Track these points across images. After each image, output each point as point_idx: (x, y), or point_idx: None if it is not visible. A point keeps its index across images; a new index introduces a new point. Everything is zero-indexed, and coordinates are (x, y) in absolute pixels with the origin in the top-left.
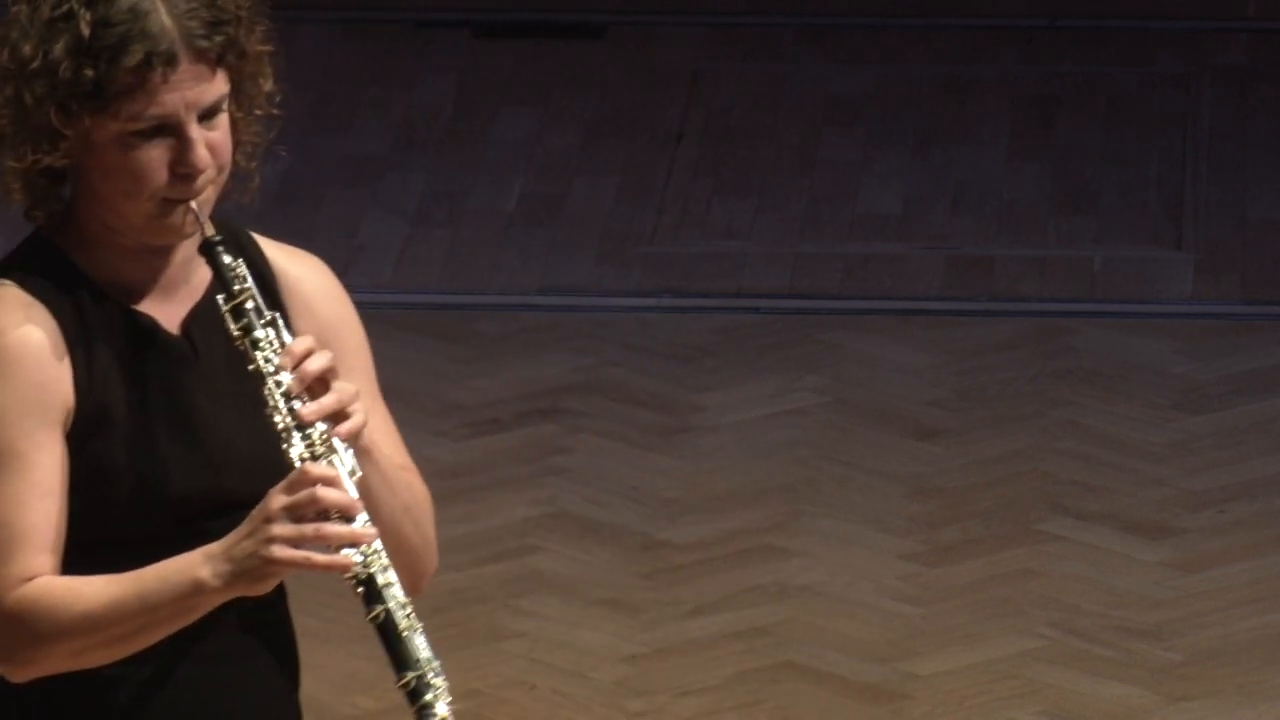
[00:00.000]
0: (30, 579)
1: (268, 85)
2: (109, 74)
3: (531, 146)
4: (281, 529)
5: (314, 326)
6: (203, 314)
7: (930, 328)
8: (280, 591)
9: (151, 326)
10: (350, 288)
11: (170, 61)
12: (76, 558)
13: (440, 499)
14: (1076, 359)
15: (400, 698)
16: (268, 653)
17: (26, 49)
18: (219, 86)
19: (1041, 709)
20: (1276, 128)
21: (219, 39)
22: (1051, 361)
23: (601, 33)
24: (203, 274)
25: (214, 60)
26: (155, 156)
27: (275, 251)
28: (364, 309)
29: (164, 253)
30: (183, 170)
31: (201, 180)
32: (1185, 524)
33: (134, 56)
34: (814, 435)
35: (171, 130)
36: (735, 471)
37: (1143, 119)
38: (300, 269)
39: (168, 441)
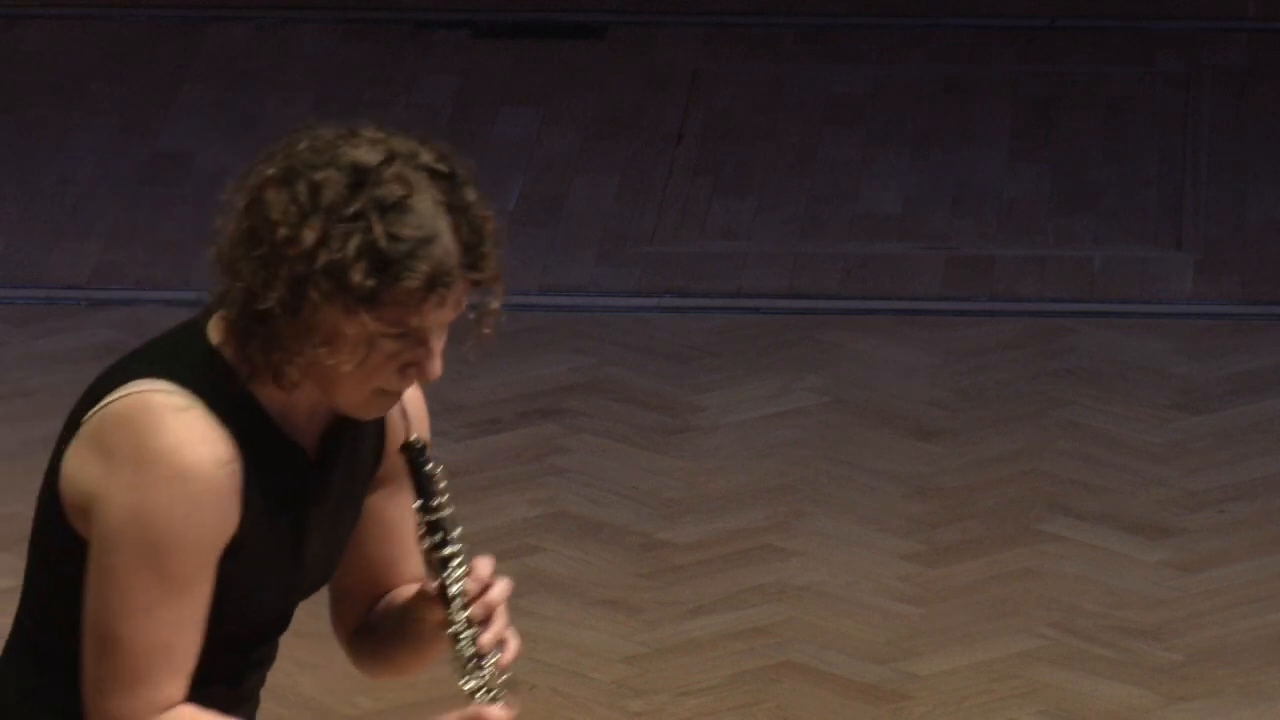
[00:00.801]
0: (169, 706)
1: (498, 303)
2: (390, 286)
3: (531, 146)
4: None
5: (400, 439)
6: (335, 436)
7: (930, 328)
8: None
9: (304, 462)
10: None
11: (449, 286)
12: None
13: None
14: (1076, 359)
15: (398, 697)
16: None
17: (309, 237)
18: (465, 303)
19: (1041, 709)
20: (1276, 128)
21: (490, 269)
22: (1051, 361)
23: (601, 33)
24: None
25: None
26: (391, 351)
27: None
28: None
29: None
30: (414, 375)
31: (414, 380)
32: (1185, 524)
33: (419, 278)
34: (814, 435)
35: (417, 337)
36: (735, 471)
37: (1143, 119)
38: (409, 390)
39: (287, 562)
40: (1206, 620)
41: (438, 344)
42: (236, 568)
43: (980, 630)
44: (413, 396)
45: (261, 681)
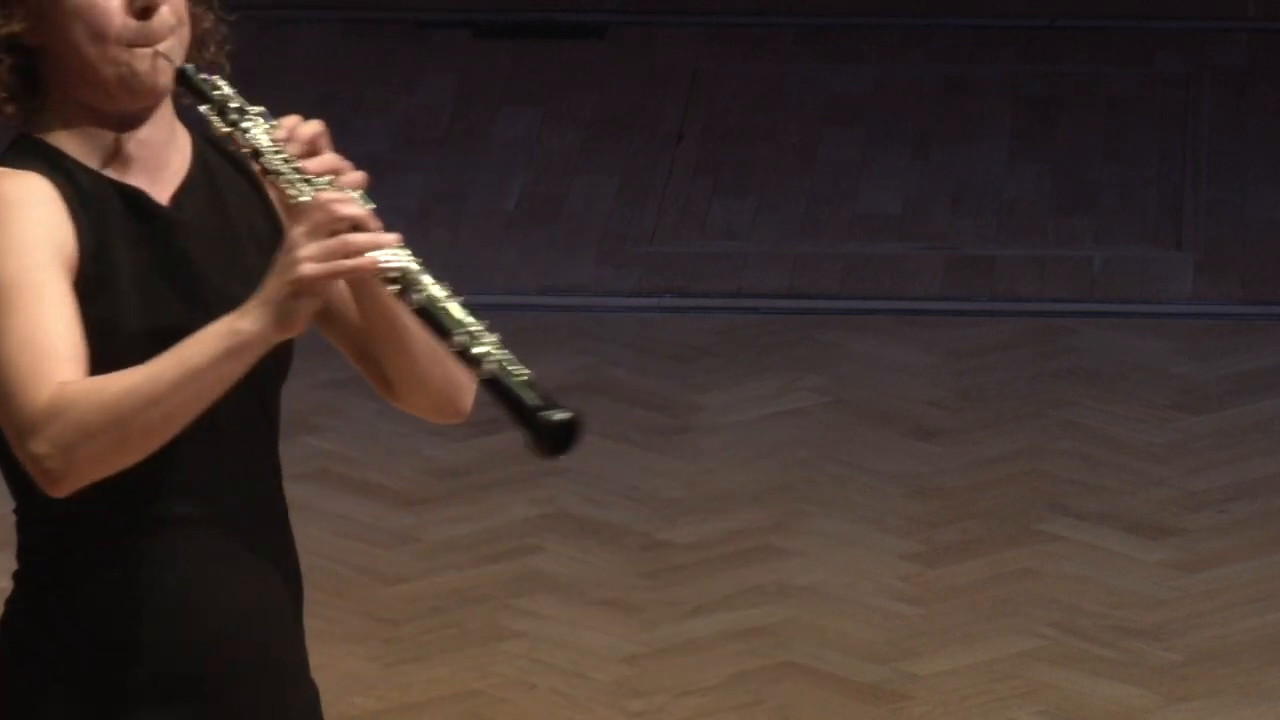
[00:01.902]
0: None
1: (210, 21)
2: None
3: (531, 146)
4: (306, 250)
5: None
6: (191, 189)
7: (930, 328)
8: (279, 501)
9: (143, 197)
10: None
11: None
12: None
13: (440, 499)
14: (1076, 359)
15: (398, 697)
16: (267, 558)
17: None
18: None
19: (1041, 709)
20: (1276, 127)
21: None
22: (1051, 361)
23: (602, 33)
24: (184, 156)
25: None
26: (112, 2)
27: None
28: None
29: (144, 132)
30: (138, 6)
31: (160, 24)
32: (1185, 524)
33: None
34: (814, 435)
35: None
36: (735, 471)
37: (1143, 119)
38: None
39: (174, 303)
40: (1206, 620)
41: None
42: (117, 308)
43: (980, 630)
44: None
45: (253, 501)
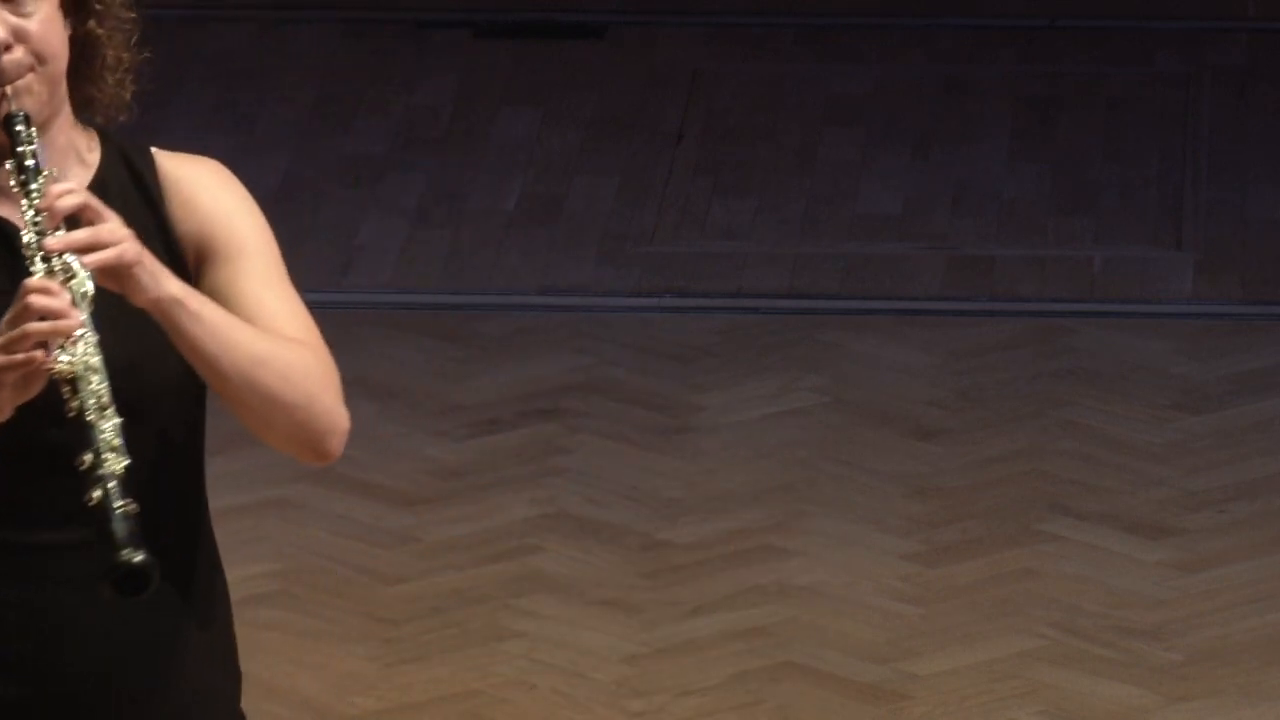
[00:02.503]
0: None
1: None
2: None
3: (531, 146)
4: None
5: (196, 219)
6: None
7: (930, 328)
8: (181, 523)
9: (11, 232)
10: (350, 288)
11: None
12: None
13: (440, 499)
14: (1076, 359)
15: (398, 697)
16: (158, 595)
17: None
18: None
19: (1041, 709)
20: (1276, 127)
21: None
22: (1051, 361)
23: (602, 33)
24: (81, 179)
25: None
26: None
27: (168, 159)
28: (364, 309)
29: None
30: None
31: (10, 63)
32: (1185, 524)
33: None
34: (814, 435)
35: None
36: (735, 471)
37: (1142, 119)
38: (188, 170)
39: None
40: (1206, 620)
41: None
42: None
43: (980, 630)
44: (197, 173)
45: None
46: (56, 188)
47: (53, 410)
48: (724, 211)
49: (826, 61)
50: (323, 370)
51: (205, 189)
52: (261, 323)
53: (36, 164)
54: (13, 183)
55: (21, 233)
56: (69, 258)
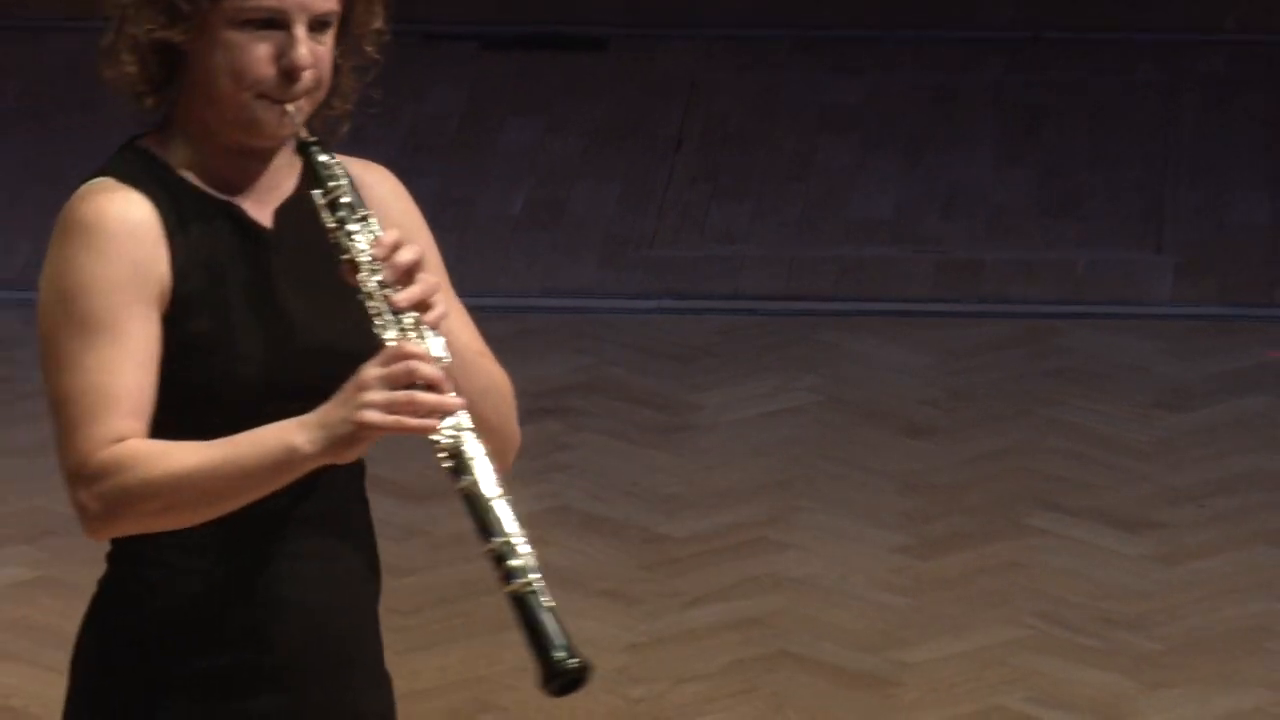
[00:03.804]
0: (120, 440)
1: (377, 22)
2: None
3: (536, 153)
4: (375, 396)
5: (388, 226)
6: (292, 208)
7: (922, 329)
8: (363, 503)
9: (243, 217)
10: None
11: None
12: (157, 436)
13: (450, 494)
14: (1063, 359)
15: (408, 684)
16: (351, 557)
17: None
18: (332, 2)
19: (1028, 696)
20: (1253, 135)
21: None
22: (1039, 361)
23: (604, 45)
24: (292, 180)
25: None
26: (262, 50)
27: (354, 165)
28: None
29: (255, 158)
30: (285, 65)
31: (299, 87)
32: (1167, 518)
33: None
34: (809, 433)
35: (281, 27)
36: (733, 468)
37: (1125, 127)
38: (372, 176)
39: (255, 327)
40: (1187, 611)
41: (304, 34)
42: (201, 328)
43: (969, 620)
44: (380, 179)
45: (342, 501)
46: (390, 237)
47: (304, 393)
48: (722, 216)
49: (821, 72)
50: (509, 393)
51: (394, 199)
52: (450, 338)
53: (352, 201)
54: (329, 220)
55: (360, 277)
56: (412, 313)
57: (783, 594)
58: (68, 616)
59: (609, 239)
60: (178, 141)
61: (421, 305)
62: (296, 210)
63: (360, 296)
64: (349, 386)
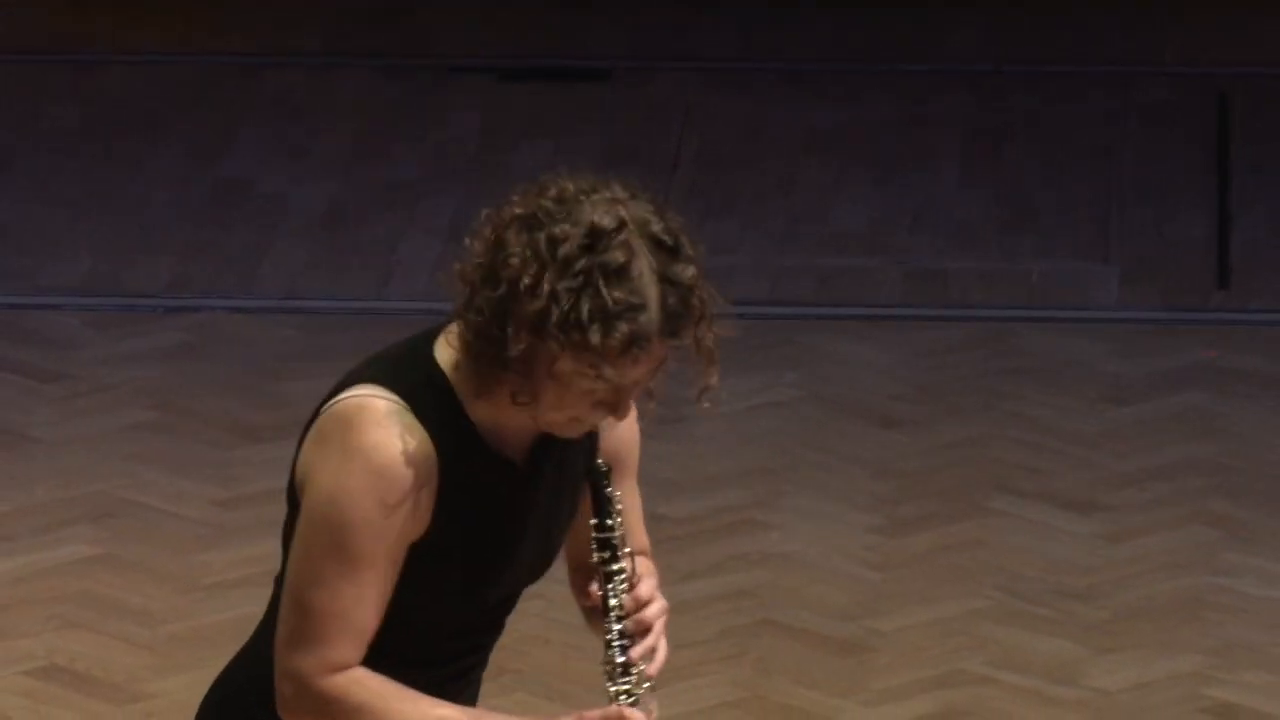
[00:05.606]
0: (343, 668)
1: (713, 379)
2: (605, 340)
3: (546, 174)
4: None
5: (615, 434)
6: (546, 445)
7: (892, 331)
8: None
9: (513, 474)
10: (390, 297)
11: (644, 349)
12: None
13: None
14: (1019, 359)
15: None
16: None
17: (544, 290)
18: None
19: (987, 660)
20: (1191, 157)
21: (688, 337)
22: (997, 360)
23: (607, 75)
24: None
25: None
26: (587, 391)
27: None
28: (402, 316)
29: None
30: (605, 414)
31: (608, 422)
32: (1112, 500)
33: (619, 338)
34: (792, 425)
35: (612, 383)
36: (723, 456)
37: (1076, 149)
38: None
39: (495, 559)
40: (1130, 584)
41: (630, 391)
42: (435, 568)
43: (935, 593)
44: (629, 419)
45: (480, 664)
46: (644, 590)
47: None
48: (714, 230)
49: (803, 100)
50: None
51: (631, 438)
52: (632, 534)
53: (621, 538)
54: (595, 555)
55: (607, 625)
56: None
57: (768, 569)
58: (126, 590)
59: None
60: (479, 391)
61: (647, 654)
62: (548, 447)
63: (604, 639)
64: (570, 716)
